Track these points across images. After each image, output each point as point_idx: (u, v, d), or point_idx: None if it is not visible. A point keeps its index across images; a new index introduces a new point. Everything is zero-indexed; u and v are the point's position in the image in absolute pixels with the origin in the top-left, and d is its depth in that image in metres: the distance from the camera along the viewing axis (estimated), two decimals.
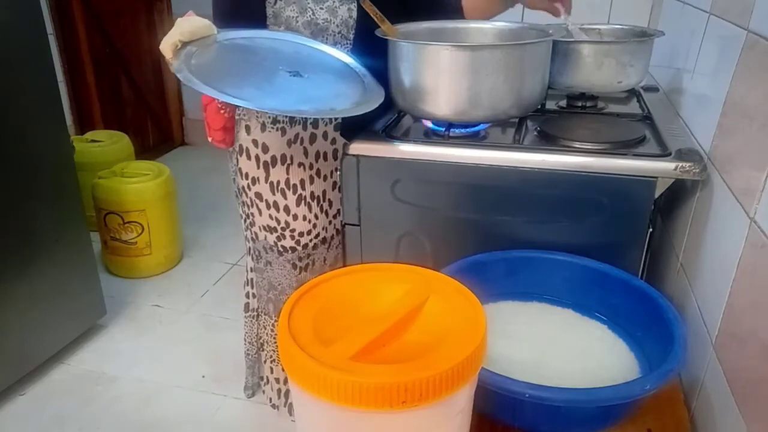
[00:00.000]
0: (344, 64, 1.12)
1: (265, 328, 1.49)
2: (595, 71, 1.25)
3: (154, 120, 3.60)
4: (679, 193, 1.09)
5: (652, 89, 1.46)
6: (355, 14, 1.18)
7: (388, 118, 1.23)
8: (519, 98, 1.08)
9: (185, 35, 0.97)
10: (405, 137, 1.14)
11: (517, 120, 1.19)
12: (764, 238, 0.72)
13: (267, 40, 1.10)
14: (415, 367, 0.53)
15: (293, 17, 1.15)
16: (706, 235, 0.95)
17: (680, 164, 0.97)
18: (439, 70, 1.05)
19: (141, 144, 3.38)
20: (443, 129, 1.12)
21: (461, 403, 0.58)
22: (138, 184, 2.25)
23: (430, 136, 1.15)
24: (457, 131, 1.13)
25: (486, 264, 0.96)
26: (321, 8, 1.16)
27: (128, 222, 2.25)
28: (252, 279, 1.49)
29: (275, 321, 1.46)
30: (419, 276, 0.66)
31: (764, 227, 0.72)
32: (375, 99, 1.03)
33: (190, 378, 1.81)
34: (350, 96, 1.02)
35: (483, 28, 1.26)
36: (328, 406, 0.52)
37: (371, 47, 1.15)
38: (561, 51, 1.25)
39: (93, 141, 2.69)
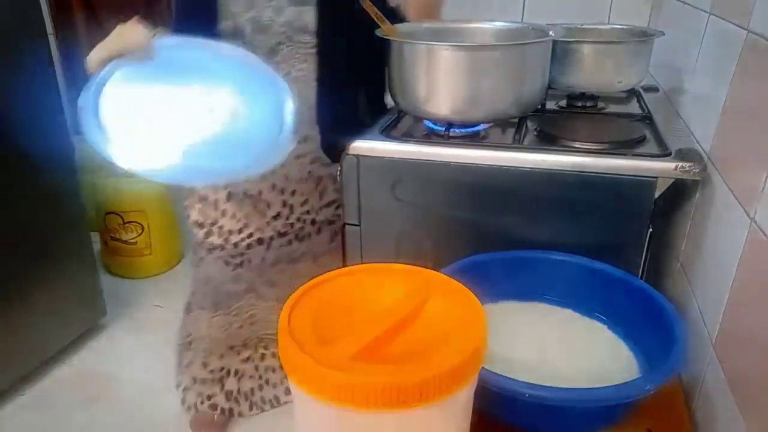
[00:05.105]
0: (274, 98, 1.00)
1: (197, 321, 1.44)
2: (595, 71, 1.25)
3: None
4: (679, 193, 1.09)
5: (652, 89, 1.46)
6: (310, 17, 1.14)
7: (388, 118, 1.23)
8: (519, 98, 1.08)
9: (116, 51, 0.90)
10: (405, 137, 1.14)
11: (517, 120, 1.19)
12: (764, 238, 0.72)
13: (206, 59, 0.99)
14: (415, 367, 0.53)
15: (239, 12, 1.13)
16: (706, 235, 0.95)
17: (680, 164, 0.97)
18: (439, 70, 1.05)
19: None
20: (443, 129, 1.12)
21: (461, 403, 0.58)
22: (138, 184, 2.25)
23: (430, 136, 1.15)
24: (457, 131, 1.13)
25: (486, 264, 0.96)
26: (267, 6, 1.13)
27: (128, 222, 2.25)
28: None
29: (213, 315, 1.42)
30: (419, 276, 0.66)
31: (764, 227, 0.72)
32: (269, 159, 0.93)
33: None
34: (249, 151, 0.92)
35: (483, 28, 1.26)
36: (328, 406, 0.52)
37: (340, 52, 1.12)
38: (561, 51, 1.25)
39: None
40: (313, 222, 1.35)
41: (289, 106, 0.99)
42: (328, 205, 1.35)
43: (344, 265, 1.25)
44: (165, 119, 0.92)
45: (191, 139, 0.90)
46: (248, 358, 1.52)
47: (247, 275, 1.37)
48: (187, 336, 1.51)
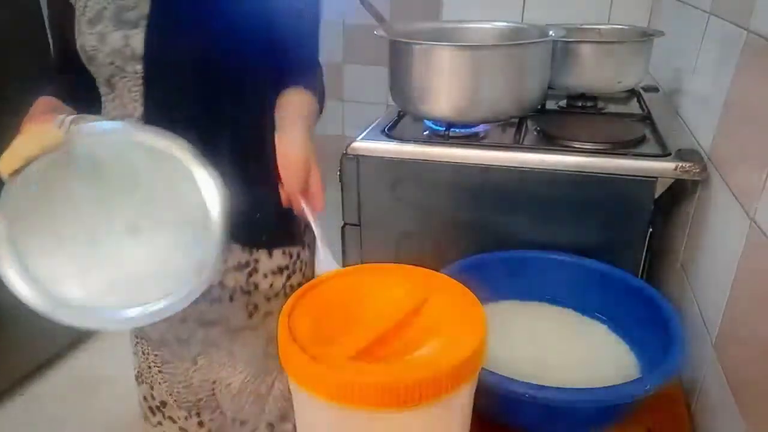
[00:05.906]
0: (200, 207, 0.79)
1: (136, 355, 1.33)
2: (595, 71, 1.26)
3: None
4: (679, 193, 1.09)
5: (652, 89, 1.46)
6: (138, 42, 0.95)
7: (388, 118, 1.24)
8: (519, 98, 1.08)
9: (32, 155, 0.77)
10: (405, 137, 1.14)
11: (517, 120, 1.19)
12: (764, 238, 0.72)
13: (139, 154, 0.81)
14: (415, 367, 0.53)
15: (72, 41, 1.00)
16: (706, 235, 0.95)
17: (680, 164, 0.97)
18: (439, 70, 1.05)
19: None
20: (443, 129, 1.12)
21: (461, 403, 0.58)
22: None
23: (430, 136, 1.15)
24: (457, 131, 1.13)
25: (486, 264, 0.96)
26: (91, 33, 0.97)
27: None
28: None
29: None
30: (419, 276, 0.66)
31: (764, 227, 0.72)
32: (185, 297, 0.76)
33: None
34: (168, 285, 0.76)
35: (483, 28, 1.27)
36: (328, 406, 0.52)
37: (171, 86, 0.96)
38: (561, 51, 1.25)
39: None
40: (221, 285, 1.13)
41: (217, 214, 0.77)
42: (237, 268, 1.10)
43: (344, 265, 1.24)
44: (80, 246, 0.78)
45: (110, 272, 0.77)
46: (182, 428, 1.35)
47: (158, 323, 1.23)
48: (136, 369, 1.42)
